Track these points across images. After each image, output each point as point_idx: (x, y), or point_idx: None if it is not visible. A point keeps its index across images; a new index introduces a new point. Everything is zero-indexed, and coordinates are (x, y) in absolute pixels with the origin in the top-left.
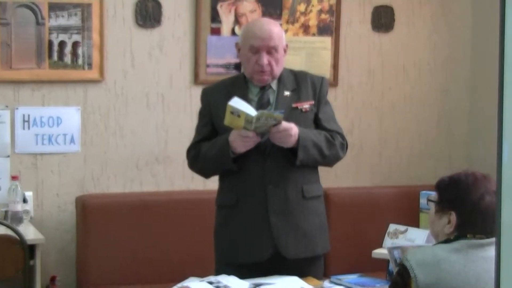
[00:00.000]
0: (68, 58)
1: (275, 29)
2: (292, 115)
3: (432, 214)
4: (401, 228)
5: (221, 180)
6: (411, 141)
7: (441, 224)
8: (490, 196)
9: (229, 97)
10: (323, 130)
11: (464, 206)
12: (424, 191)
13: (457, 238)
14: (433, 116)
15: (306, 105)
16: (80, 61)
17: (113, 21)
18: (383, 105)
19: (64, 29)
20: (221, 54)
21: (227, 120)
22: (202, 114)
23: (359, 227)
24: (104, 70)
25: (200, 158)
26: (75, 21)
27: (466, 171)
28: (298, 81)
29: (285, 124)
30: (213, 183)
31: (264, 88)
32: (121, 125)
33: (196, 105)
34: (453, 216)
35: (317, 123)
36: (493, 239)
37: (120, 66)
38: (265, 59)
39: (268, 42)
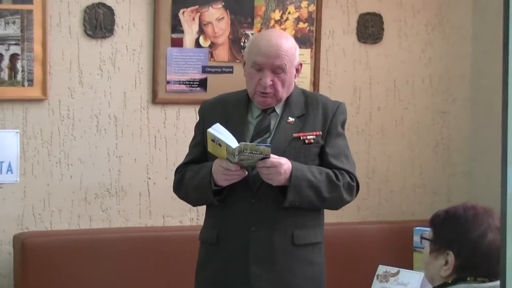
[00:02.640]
0: (5, 74)
1: (285, 45)
2: (292, 146)
3: (426, 254)
4: (392, 270)
5: (206, 212)
6: (404, 171)
7: (437, 265)
8: (493, 233)
9: (227, 117)
10: (329, 167)
11: (463, 245)
12: (418, 227)
13: (455, 281)
14: (428, 142)
15: (310, 136)
16: (19, 77)
17: (57, 30)
18: (370, 128)
19: (1, 40)
20: (184, 69)
21: (210, 147)
22: (196, 131)
23: (344, 269)
24: (47, 87)
25: (183, 184)
26: (13, 30)
27: (465, 205)
28: (308, 106)
29: (274, 159)
30: (174, 219)
31: (266, 111)
32: (66, 152)
33: (154, 128)
34: (451, 257)
35: (323, 158)
36: (497, 283)
37: (66, 83)
38: (268, 79)
39: (273, 60)
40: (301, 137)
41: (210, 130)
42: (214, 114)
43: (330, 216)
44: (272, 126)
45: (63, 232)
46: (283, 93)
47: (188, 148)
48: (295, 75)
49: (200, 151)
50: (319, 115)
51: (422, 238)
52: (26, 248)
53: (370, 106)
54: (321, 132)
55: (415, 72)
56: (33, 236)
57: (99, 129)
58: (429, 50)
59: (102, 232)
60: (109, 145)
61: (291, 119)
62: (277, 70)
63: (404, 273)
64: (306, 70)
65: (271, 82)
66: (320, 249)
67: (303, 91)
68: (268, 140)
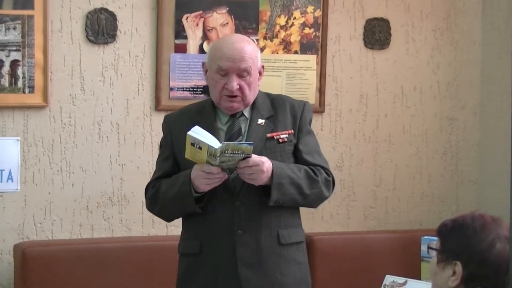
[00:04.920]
0: (5, 80)
1: (248, 48)
2: (267, 146)
3: (434, 264)
4: (399, 280)
5: (183, 224)
6: (411, 179)
7: (445, 276)
8: (501, 243)
9: (194, 126)
10: (304, 164)
11: (471, 255)
12: (426, 237)
13: None
14: (436, 149)
15: (283, 135)
16: (19, 84)
17: (59, 36)
18: (377, 136)
19: (1, 46)
20: (187, 76)
21: (188, 153)
22: (163, 145)
23: (350, 279)
24: (49, 94)
25: (159, 198)
26: (14, 36)
27: (473, 214)
28: (276, 107)
29: (255, 158)
30: (177, 228)
31: (235, 116)
32: (68, 160)
33: (158, 136)
34: (459, 267)
35: (297, 156)
36: None
37: (67, 89)
38: (235, 83)
39: (239, 64)
40: (275, 137)
41: (190, 133)
42: (181, 125)
43: (336, 225)
44: (243, 130)
45: (65, 242)
46: (250, 97)
47: (155, 164)
48: (259, 78)
49: (170, 165)
50: (288, 114)
51: (429, 248)
52: (26, 258)
53: (377, 113)
54: (292, 131)
55: (423, 78)
56: (34, 246)
57: (101, 136)
58: (437, 55)
59: (104, 242)
60: (111, 153)
61: (261, 120)
62: (243, 73)
63: (412, 284)
64: (312, 77)
65: (238, 86)
66: (304, 249)
67: (267, 94)
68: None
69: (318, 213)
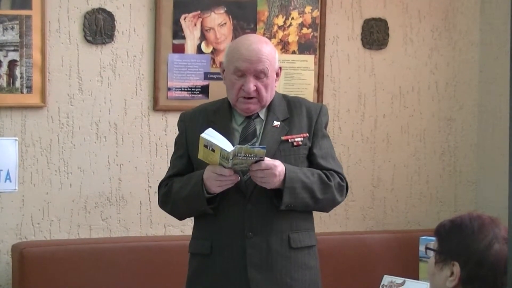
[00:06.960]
0: (3, 80)
1: (266, 49)
2: (281, 149)
3: (431, 264)
4: (398, 280)
5: (195, 223)
6: (409, 179)
7: (443, 277)
8: (499, 244)
9: (210, 126)
10: (318, 168)
11: (469, 256)
12: (424, 237)
13: None
14: (435, 150)
15: (298, 138)
16: (17, 84)
17: (56, 36)
18: (376, 136)
19: None
20: (185, 76)
21: (201, 154)
22: (178, 143)
23: (348, 279)
24: (46, 94)
25: (171, 197)
26: (11, 36)
27: (470, 214)
28: (292, 109)
29: (268, 161)
30: (175, 229)
31: (250, 117)
32: (66, 160)
33: (155, 135)
34: (457, 268)
35: (311, 160)
36: None
37: (65, 89)
38: (251, 84)
39: (256, 65)
40: (289, 140)
41: (203, 135)
42: (196, 124)
43: (335, 225)
44: (258, 131)
45: (63, 242)
46: (267, 98)
47: (170, 161)
48: (276, 80)
49: (185, 163)
50: (304, 118)
51: (427, 248)
52: (24, 258)
53: (375, 113)
54: (308, 134)
55: (421, 78)
56: (32, 246)
57: (99, 136)
58: (436, 56)
59: (102, 242)
60: (109, 153)
61: (276, 123)
62: (260, 75)
63: (410, 284)
64: (310, 77)
65: (255, 88)
66: (315, 253)
67: (283, 96)
68: (256, 144)
69: (316, 213)
